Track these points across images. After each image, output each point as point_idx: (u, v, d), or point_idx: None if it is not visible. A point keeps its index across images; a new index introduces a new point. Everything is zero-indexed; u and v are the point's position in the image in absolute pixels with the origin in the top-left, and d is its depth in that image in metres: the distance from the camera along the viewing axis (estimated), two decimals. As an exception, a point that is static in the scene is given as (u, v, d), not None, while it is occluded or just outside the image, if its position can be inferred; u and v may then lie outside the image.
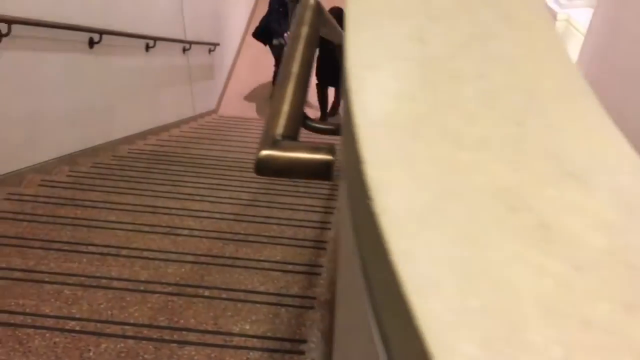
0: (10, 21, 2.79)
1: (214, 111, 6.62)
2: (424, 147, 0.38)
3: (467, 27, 0.50)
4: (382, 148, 0.37)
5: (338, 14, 4.88)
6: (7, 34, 2.81)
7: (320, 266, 2.43)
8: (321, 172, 0.64)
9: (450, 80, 0.43)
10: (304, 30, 0.82)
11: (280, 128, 0.67)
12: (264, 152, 0.64)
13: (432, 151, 0.37)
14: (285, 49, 0.81)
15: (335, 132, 0.81)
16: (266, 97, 6.90)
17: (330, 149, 0.64)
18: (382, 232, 0.33)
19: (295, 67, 0.76)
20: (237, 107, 6.84)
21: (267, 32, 6.13)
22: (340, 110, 5.76)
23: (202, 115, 6.16)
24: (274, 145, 0.64)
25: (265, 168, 0.64)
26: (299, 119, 0.70)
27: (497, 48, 0.47)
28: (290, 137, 0.66)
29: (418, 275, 0.30)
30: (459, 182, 0.35)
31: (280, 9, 5.97)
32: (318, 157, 0.64)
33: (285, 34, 6.04)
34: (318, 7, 0.90)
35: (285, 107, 0.70)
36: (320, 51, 5.24)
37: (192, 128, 5.49)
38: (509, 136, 0.38)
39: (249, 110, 6.74)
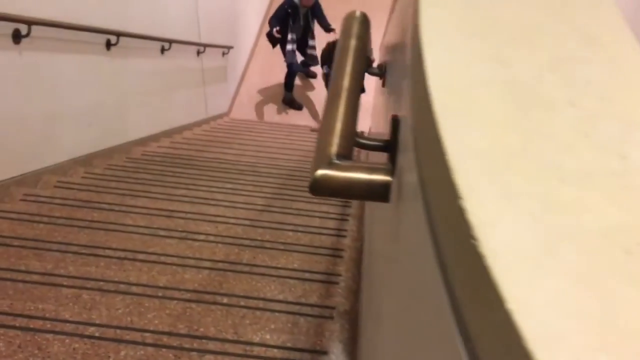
0: (30, 22, 2.79)
1: (226, 114, 6.62)
2: (524, 181, 0.36)
3: (550, 49, 0.48)
4: (481, 183, 0.35)
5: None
6: (26, 35, 2.81)
7: (338, 275, 2.41)
8: (378, 193, 0.62)
9: (540, 107, 0.41)
10: (352, 43, 0.80)
11: (334, 146, 0.65)
12: (320, 172, 0.62)
13: (533, 186, 0.35)
14: (334, 64, 0.79)
15: (384, 148, 0.79)
16: (277, 100, 6.90)
17: (387, 170, 0.63)
18: (492, 277, 0.31)
19: (346, 82, 0.74)
20: (249, 110, 6.83)
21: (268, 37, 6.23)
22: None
23: (214, 118, 6.16)
24: (330, 165, 0.62)
25: (321, 188, 0.62)
26: (352, 137, 0.68)
27: (584, 72, 0.45)
28: (345, 156, 0.65)
29: (540, 327, 0.28)
30: (567, 221, 0.33)
31: (289, 10, 5.96)
32: (375, 178, 0.62)
33: (290, 45, 6.11)
34: (365, 20, 0.88)
35: (339, 125, 0.68)
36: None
37: (204, 130, 5.49)
38: (613, 170, 0.36)
39: (260, 113, 6.73)
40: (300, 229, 2.89)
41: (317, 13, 6.19)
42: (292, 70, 6.42)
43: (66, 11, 3.10)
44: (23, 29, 2.79)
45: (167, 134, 4.93)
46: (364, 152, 4.03)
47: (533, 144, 0.38)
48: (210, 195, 3.25)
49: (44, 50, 3.04)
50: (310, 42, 6.32)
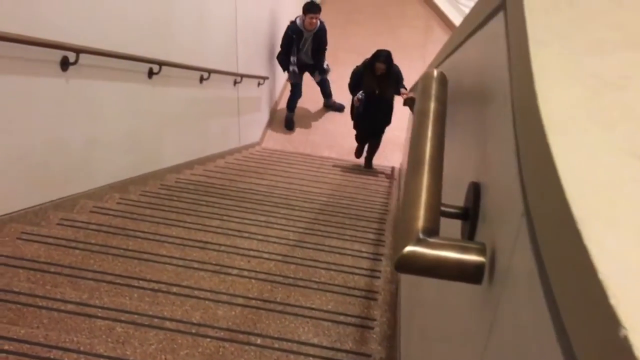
0: (78, 50, 2.84)
1: (258, 143, 6.65)
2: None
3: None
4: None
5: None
6: (74, 63, 2.86)
7: (373, 319, 2.35)
8: (469, 275, 0.59)
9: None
10: (432, 106, 0.78)
11: (421, 221, 0.62)
12: (409, 249, 0.58)
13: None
14: (411, 125, 0.76)
15: (464, 216, 0.75)
16: (309, 131, 6.93)
17: (481, 249, 0.59)
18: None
19: (428, 149, 0.71)
20: (280, 140, 6.86)
21: (279, 63, 6.49)
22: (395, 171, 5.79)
23: (246, 147, 6.19)
24: (418, 241, 0.59)
25: (407, 265, 0.59)
26: (439, 210, 0.65)
27: None
28: (432, 231, 0.61)
29: None
30: None
31: (293, 36, 6.09)
32: (468, 258, 0.58)
33: (291, 67, 6.28)
34: (444, 80, 0.85)
35: (424, 196, 0.65)
36: (368, 99, 5.20)
37: (237, 159, 5.51)
38: None
39: (291, 144, 6.75)
40: (333, 267, 2.85)
41: (321, 42, 6.30)
42: (294, 91, 6.65)
43: (112, 40, 3.16)
44: (71, 56, 2.84)
45: (201, 161, 4.96)
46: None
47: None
48: (244, 228, 3.23)
49: (89, 77, 3.10)
50: (324, 66, 6.41)
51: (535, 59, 0.51)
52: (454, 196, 0.94)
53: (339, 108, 7.12)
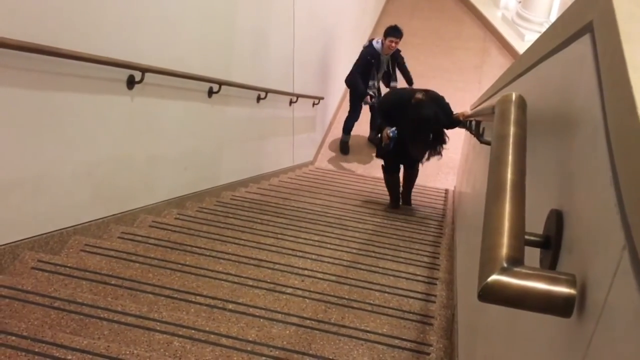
0: (144, 69, 2.94)
1: (311, 162, 6.69)
2: None
3: None
4: None
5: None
6: (140, 81, 2.96)
7: (429, 345, 2.30)
8: (559, 307, 0.56)
9: None
10: (512, 130, 0.76)
11: (505, 249, 0.60)
12: (493, 278, 0.57)
13: None
14: (491, 151, 0.74)
15: (544, 245, 0.73)
16: (362, 152, 6.92)
17: (572, 281, 0.56)
18: None
19: (509, 175, 0.69)
20: (333, 159, 6.88)
21: (352, 85, 6.21)
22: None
23: (300, 166, 6.23)
24: (503, 271, 0.57)
25: (491, 295, 0.57)
26: (523, 237, 0.63)
27: None
28: (517, 260, 0.59)
29: None
30: None
31: (372, 60, 5.97)
32: (558, 290, 0.56)
33: (370, 93, 6.07)
34: (523, 103, 0.83)
35: (507, 224, 0.63)
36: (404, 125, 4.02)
37: (291, 178, 5.56)
38: None
39: (344, 164, 6.75)
40: (388, 289, 2.81)
41: (399, 62, 6.20)
42: (354, 115, 6.49)
43: (175, 60, 3.26)
44: (137, 75, 2.94)
45: (255, 179, 5.02)
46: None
47: None
48: (298, 247, 3.24)
49: (153, 96, 3.20)
50: (392, 85, 6.29)
51: (637, 86, 0.49)
52: (529, 223, 0.91)
53: None
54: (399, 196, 4.76)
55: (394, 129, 4.09)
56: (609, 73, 0.59)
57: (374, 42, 5.98)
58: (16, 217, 2.41)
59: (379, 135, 4.48)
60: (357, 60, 6.12)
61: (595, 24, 0.70)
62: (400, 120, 4.04)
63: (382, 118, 4.45)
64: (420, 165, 4.62)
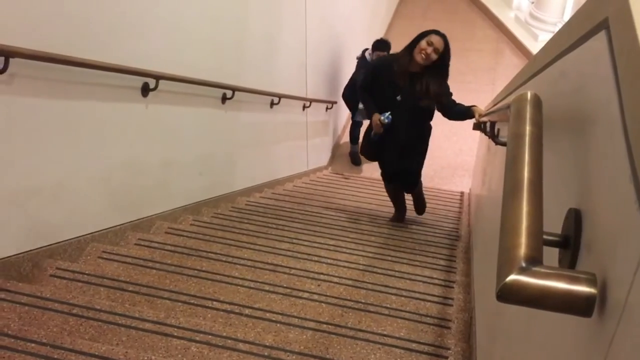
0: (158, 77, 2.96)
1: (325, 167, 6.69)
2: None
3: None
4: None
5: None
6: (154, 89, 2.98)
7: (447, 349, 2.28)
8: (580, 307, 0.55)
9: None
10: (527, 129, 0.75)
11: (523, 248, 0.59)
12: (512, 278, 0.56)
13: None
14: (507, 150, 0.74)
15: (563, 244, 0.72)
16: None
17: (592, 280, 0.56)
18: None
19: (526, 173, 0.68)
20: (347, 163, 6.88)
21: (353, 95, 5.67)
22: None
23: (313, 171, 6.24)
24: (522, 270, 0.56)
25: (510, 295, 0.56)
26: (541, 236, 0.62)
27: None
28: (536, 259, 0.59)
29: None
30: None
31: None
32: (578, 289, 0.55)
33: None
34: (539, 102, 0.83)
35: (525, 223, 0.62)
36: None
37: (305, 183, 5.56)
38: None
39: (358, 169, 6.74)
40: (404, 293, 2.80)
41: None
42: (358, 123, 6.33)
43: (188, 66, 3.28)
44: (151, 82, 2.96)
45: (270, 184, 5.03)
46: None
47: None
48: (313, 251, 3.24)
49: (167, 103, 3.22)
50: None
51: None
52: (547, 223, 0.90)
53: None
54: (403, 207, 4.34)
55: (387, 114, 3.58)
56: (626, 69, 0.58)
57: (366, 54, 5.75)
58: (35, 225, 2.44)
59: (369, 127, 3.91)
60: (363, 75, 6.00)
61: (611, 21, 0.69)
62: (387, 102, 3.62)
63: (361, 94, 3.98)
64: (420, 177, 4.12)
